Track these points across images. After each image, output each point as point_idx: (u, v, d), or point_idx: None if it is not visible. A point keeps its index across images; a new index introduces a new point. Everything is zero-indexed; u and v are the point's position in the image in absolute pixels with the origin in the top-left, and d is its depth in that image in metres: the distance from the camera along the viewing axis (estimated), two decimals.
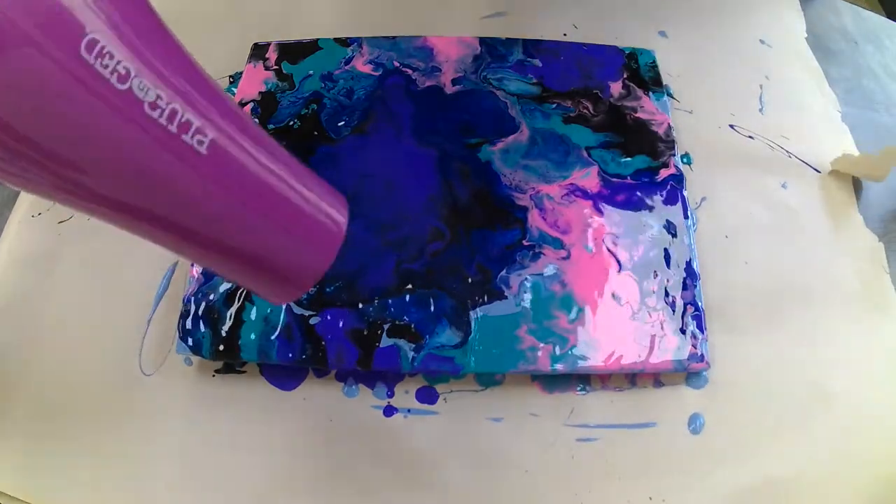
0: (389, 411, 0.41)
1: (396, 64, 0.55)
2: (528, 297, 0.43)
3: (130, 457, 0.41)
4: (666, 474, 0.39)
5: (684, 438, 0.40)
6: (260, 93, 0.53)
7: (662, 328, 0.42)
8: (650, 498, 0.38)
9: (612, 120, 0.51)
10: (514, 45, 0.55)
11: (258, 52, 0.56)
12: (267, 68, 0.55)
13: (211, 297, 0.43)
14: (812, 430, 0.40)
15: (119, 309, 0.46)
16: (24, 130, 0.13)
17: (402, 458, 0.40)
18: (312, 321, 0.42)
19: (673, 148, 0.49)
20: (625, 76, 0.53)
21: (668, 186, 0.47)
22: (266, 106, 0.53)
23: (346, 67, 0.55)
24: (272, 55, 0.56)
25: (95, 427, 0.42)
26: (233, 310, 0.43)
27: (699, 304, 0.43)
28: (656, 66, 0.54)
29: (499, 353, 0.41)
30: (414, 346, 0.41)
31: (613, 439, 0.40)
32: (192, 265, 0.45)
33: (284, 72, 0.55)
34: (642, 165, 0.48)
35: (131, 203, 0.17)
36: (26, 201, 0.52)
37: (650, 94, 0.52)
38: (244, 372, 0.43)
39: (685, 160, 0.51)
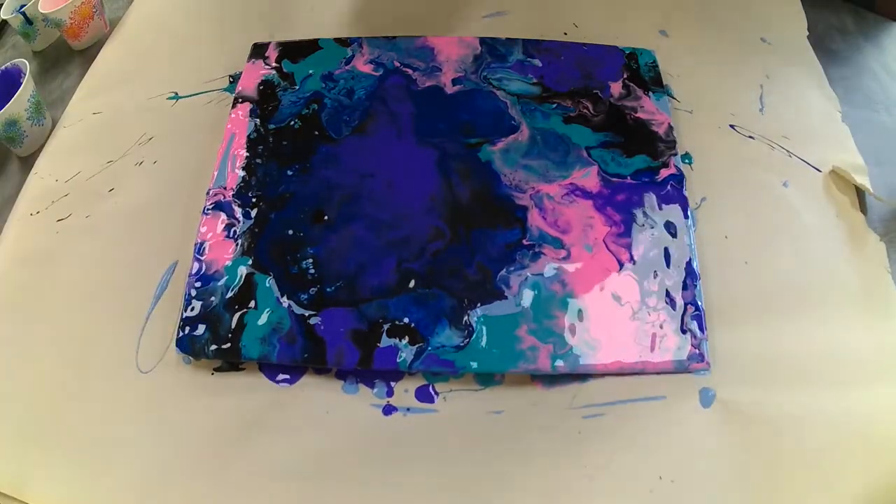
0: (389, 410, 0.41)
1: (397, 64, 0.55)
2: (528, 296, 0.43)
3: (128, 454, 0.40)
4: (676, 449, 0.39)
5: (694, 410, 0.40)
6: (259, 90, 0.53)
7: (662, 328, 0.42)
8: (660, 477, 0.38)
9: (612, 120, 0.51)
10: (515, 45, 0.55)
11: (258, 51, 0.56)
12: (266, 68, 0.55)
13: (212, 300, 0.43)
14: (807, 433, 0.40)
15: (117, 307, 0.46)
16: None
17: (401, 456, 0.40)
18: (312, 321, 0.42)
19: (673, 148, 0.49)
20: (625, 76, 0.53)
21: (668, 186, 0.47)
22: (266, 105, 0.52)
23: (346, 67, 0.55)
24: (272, 54, 0.56)
25: (94, 425, 0.42)
26: (233, 312, 0.43)
27: (699, 304, 0.43)
28: (656, 66, 0.54)
29: (499, 352, 0.41)
30: (414, 346, 0.41)
31: (622, 413, 0.40)
32: (193, 265, 0.45)
33: (285, 70, 0.55)
34: (642, 165, 0.48)
35: None
36: (25, 200, 0.52)
37: (650, 94, 0.52)
38: (243, 369, 0.43)
39: (685, 160, 0.51)
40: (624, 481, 0.38)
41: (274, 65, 0.55)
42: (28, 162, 0.55)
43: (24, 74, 0.54)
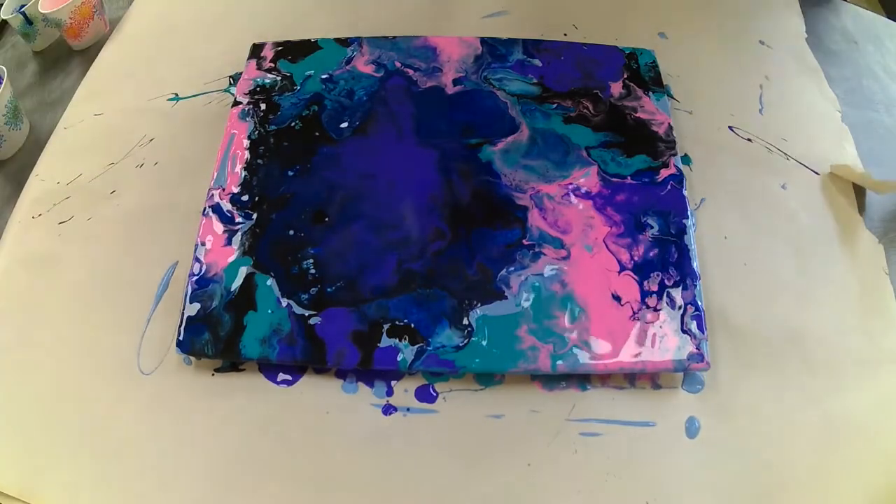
0: (388, 410, 0.42)
1: (397, 64, 0.55)
2: (528, 296, 0.43)
3: (130, 455, 0.41)
4: (663, 476, 0.39)
5: (681, 442, 0.40)
6: (259, 90, 0.53)
7: (662, 328, 0.42)
8: (647, 503, 0.38)
9: (613, 120, 0.51)
10: (515, 45, 0.55)
11: (257, 51, 0.56)
12: (266, 68, 0.55)
13: (212, 300, 0.43)
14: (806, 433, 0.40)
15: (119, 309, 0.46)
16: None
17: (400, 457, 0.40)
18: (312, 321, 0.42)
19: (673, 148, 0.49)
20: (625, 76, 0.53)
21: (668, 186, 0.47)
22: (266, 106, 0.52)
23: (346, 68, 0.55)
24: (272, 54, 0.56)
25: (95, 426, 0.42)
26: (233, 313, 0.43)
27: (699, 304, 0.43)
28: (656, 66, 0.54)
29: (499, 352, 0.41)
30: (414, 346, 0.42)
31: (615, 436, 0.40)
32: (193, 265, 0.45)
33: (284, 71, 0.55)
34: (642, 165, 0.49)
35: None
36: (26, 202, 0.52)
37: (650, 94, 0.52)
38: (243, 370, 0.43)
39: (685, 161, 0.51)
40: None
41: (274, 65, 0.55)
42: (6, 166, 0.55)
43: (2, 80, 0.54)
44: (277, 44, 0.57)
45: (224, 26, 0.63)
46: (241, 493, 0.39)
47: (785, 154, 0.51)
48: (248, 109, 0.52)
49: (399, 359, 0.41)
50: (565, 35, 0.58)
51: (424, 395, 0.42)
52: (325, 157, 0.49)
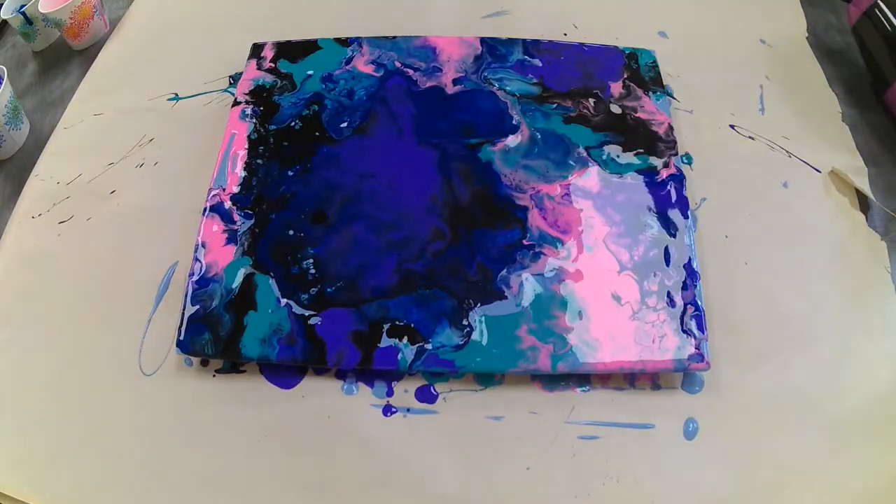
0: (388, 410, 0.41)
1: (397, 64, 0.55)
2: (528, 296, 0.43)
3: (131, 457, 0.41)
4: (661, 479, 0.39)
5: (679, 443, 0.40)
6: (259, 90, 0.53)
7: (662, 328, 0.42)
8: None
9: (613, 120, 0.51)
10: (515, 45, 0.55)
11: (257, 51, 0.56)
12: (266, 68, 0.55)
13: (212, 300, 0.43)
14: (807, 432, 0.40)
15: (119, 309, 0.46)
16: None
17: (401, 458, 0.40)
18: (312, 321, 0.42)
19: (673, 148, 0.49)
20: (625, 76, 0.53)
21: (668, 186, 0.47)
22: (266, 106, 0.52)
23: (346, 67, 0.55)
24: (271, 54, 0.56)
25: (96, 427, 0.42)
26: (233, 313, 0.43)
27: (699, 303, 0.43)
28: (656, 66, 0.54)
29: (499, 352, 0.41)
30: (414, 346, 0.41)
31: (613, 439, 0.40)
32: (193, 266, 0.45)
33: (283, 71, 0.55)
34: (642, 165, 0.49)
35: None
36: (26, 202, 0.52)
37: (650, 94, 0.52)
38: (244, 371, 0.43)
39: (685, 160, 0.51)
40: None
41: (274, 65, 0.55)
42: (6, 166, 0.56)
43: (2, 80, 0.54)
44: (277, 44, 0.57)
45: (224, 26, 0.63)
46: (241, 494, 0.39)
47: (787, 152, 0.51)
48: (249, 110, 0.52)
49: (399, 358, 0.41)
50: (565, 35, 0.58)
51: (424, 395, 0.42)
52: (325, 156, 0.49)
